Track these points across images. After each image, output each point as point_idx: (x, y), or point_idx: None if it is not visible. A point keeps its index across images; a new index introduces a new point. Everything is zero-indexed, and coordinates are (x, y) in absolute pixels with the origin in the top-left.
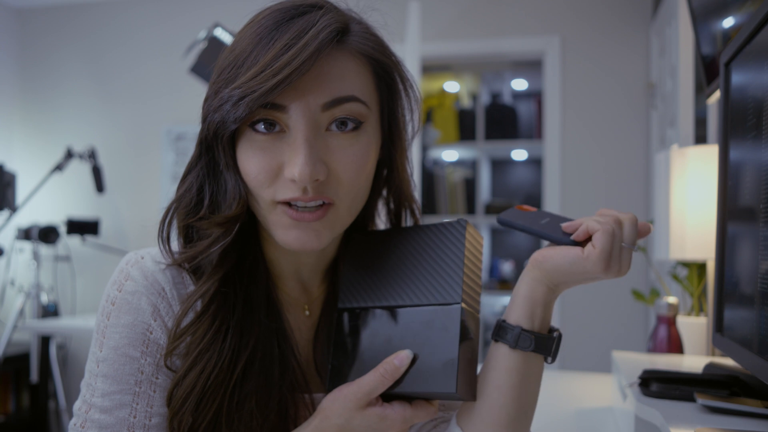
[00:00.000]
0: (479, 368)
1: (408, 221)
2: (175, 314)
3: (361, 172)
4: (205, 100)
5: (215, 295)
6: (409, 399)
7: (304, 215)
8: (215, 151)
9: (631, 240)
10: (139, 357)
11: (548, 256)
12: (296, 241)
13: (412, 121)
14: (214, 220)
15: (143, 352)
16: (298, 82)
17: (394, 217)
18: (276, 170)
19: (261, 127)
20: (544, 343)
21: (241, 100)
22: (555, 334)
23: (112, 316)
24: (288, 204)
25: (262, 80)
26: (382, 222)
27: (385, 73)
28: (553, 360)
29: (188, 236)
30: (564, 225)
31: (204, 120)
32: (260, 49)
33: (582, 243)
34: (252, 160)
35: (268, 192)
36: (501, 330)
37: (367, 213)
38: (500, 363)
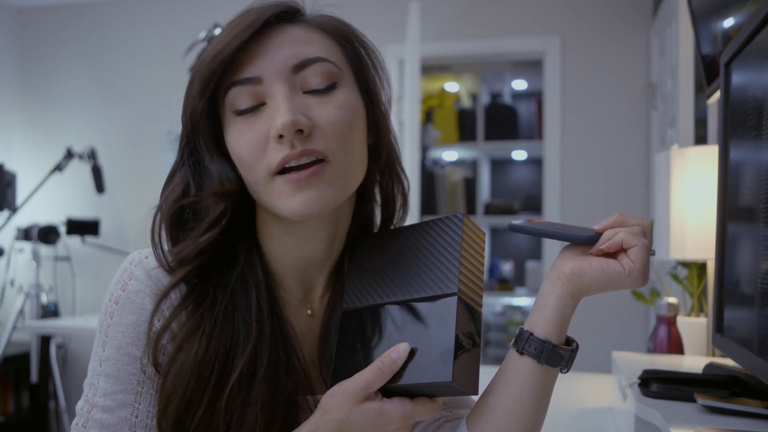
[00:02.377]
0: (482, 373)
1: (397, 196)
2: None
3: (345, 125)
4: (183, 105)
5: (193, 289)
6: (411, 396)
7: (300, 174)
8: (199, 148)
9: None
10: (141, 356)
11: (584, 270)
12: (301, 204)
13: (384, 89)
14: (208, 191)
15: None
16: (265, 50)
17: (385, 191)
18: (264, 139)
19: (243, 105)
20: (570, 358)
21: (207, 77)
22: (574, 345)
23: (116, 315)
24: (283, 172)
25: (220, 54)
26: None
27: (349, 42)
28: (569, 370)
29: (175, 238)
30: (597, 226)
31: (182, 120)
32: (221, 38)
33: (592, 242)
34: (241, 139)
35: (262, 164)
36: (528, 343)
37: (367, 199)
38: (525, 377)
